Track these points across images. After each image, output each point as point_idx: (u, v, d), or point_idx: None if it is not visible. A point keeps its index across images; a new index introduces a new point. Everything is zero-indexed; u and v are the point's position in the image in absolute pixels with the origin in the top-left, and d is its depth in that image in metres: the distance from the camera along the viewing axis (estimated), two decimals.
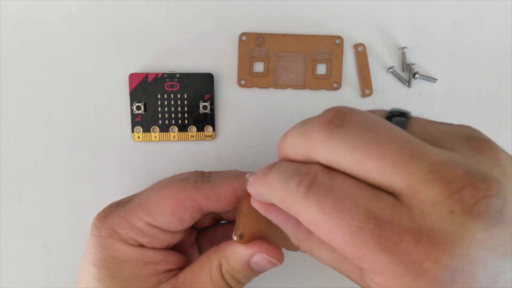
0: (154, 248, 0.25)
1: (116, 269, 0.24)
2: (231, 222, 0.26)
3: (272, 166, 0.20)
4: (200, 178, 0.25)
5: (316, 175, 0.17)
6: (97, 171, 0.32)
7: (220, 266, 0.24)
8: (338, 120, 0.18)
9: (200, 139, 0.32)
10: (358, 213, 0.16)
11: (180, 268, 0.25)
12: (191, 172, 0.26)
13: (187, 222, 0.25)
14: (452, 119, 0.33)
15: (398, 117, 0.19)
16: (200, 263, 0.24)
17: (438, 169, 0.16)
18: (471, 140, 0.18)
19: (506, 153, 0.17)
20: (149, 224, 0.24)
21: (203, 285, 0.24)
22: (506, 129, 0.34)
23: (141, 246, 0.25)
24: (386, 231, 0.16)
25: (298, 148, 0.19)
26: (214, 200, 0.24)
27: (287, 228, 0.22)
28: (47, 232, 0.32)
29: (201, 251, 0.29)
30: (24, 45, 0.32)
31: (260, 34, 0.32)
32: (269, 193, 0.19)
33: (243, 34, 0.32)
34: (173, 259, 0.25)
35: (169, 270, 0.25)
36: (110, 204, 0.26)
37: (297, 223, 0.20)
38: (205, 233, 0.30)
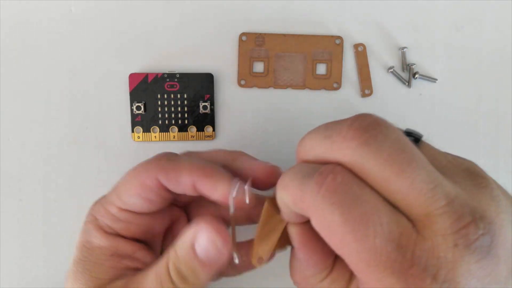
0: (129, 239, 0.25)
1: (87, 253, 0.25)
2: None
3: (288, 169, 0.19)
4: (166, 158, 0.25)
5: (343, 176, 0.17)
6: (97, 171, 0.32)
7: (167, 262, 0.23)
8: (373, 129, 0.17)
9: (200, 139, 0.32)
10: (382, 233, 0.16)
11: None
12: (163, 152, 0.26)
13: (157, 202, 0.25)
14: (452, 119, 0.34)
15: (410, 138, 0.19)
16: (155, 263, 0.24)
17: (452, 203, 0.16)
18: (472, 175, 0.19)
19: (499, 189, 0.19)
20: (120, 209, 0.25)
21: (149, 284, 0.23)
22: (506, 129, 0.34)
23: (116, 235, 0.25)
24: (400, 257, 0.16)
25: (318, 151, 0.18)
26: (174, 183, 0.24)
27: (303, 263, 0.21)
28: (47, 232, 0.32)
29: None
30: (24, 45, 0.32)
31: (260, 34, 0.32)
32: (284, 194, 0.19)
33: (243, 34, 0.32)
34: (142, 258, 0.25)
35: (135, 269, 0.25)
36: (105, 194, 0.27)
37: (318, 260, 0.20)
38: None
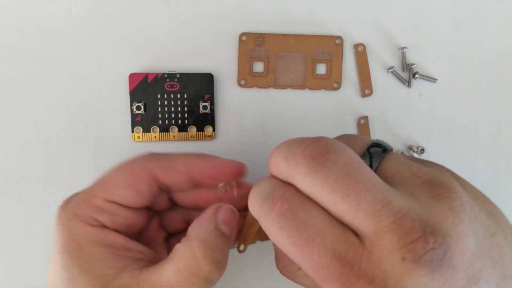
0: (116, 231, 0.24)
1: (78, 253, 0.23)
2: None
3: (257, 183, 0.21)
4: (156, 153, 0.26)
5: (290, 202, 0.19)
6: (97, 171, 0.32)
7: (194, 251, 0.23)
8: (321, 157, 0.19)
9: (200, 139, 0.32)
10: (326, 253, 0.18)
11: (149, 260, 0.24)
12: (149, 152, 0.26)
13: (145, 194, 0.25)
14: (452, 119, 0.34)
15: (376, 148, 0.21)
16: (169, 257, 0.23)
17: (400, 220, 0.18)
18: (433, 187, 0.19)
19: (463, 198, 0.19)
20: (107, 200, 0.24)
21: (171, 278, 0.22)
22: (506, 129, 0.34)
23: (103, 226, 0.24)
24: (347, 271, 0.18)
25: (280, 170, 0.20)
26: (169, 171, 0.24)
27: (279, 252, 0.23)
28: (47, 232, 0.32)
29: None
30: (24, 45, 0.32)
31: (260, 34, 0.32)
32: (250, 209, 0.21)
33: (243, 34, 0.32)
34: (137, 248, 0.24)
35: (135, 259, 0.24)
36: (70, 195, 0.26)
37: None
38: (177, 237, 0.28)
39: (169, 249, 0.28)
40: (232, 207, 0.24)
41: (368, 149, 0.21)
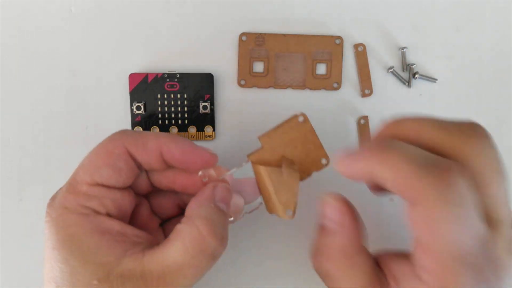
0: (109, 216, 0.24)
1: (76, 245, 0.23)
2: None
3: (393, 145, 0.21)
4: (129, 130, 0.26)
5: (461, 180, 0.19)
6: None
7: (198, 228, 0.23)
8: (489, 138, 0.21)
9: (200, 139, 0.32)
10: (472, 234, 0.19)
11: (147, 243, 0.24)
12: (120, 130, 0.26)
13: (125, 172, 0.25)
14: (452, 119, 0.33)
15: None
16: (171, 236, 0.23)
17: None
18: None
19: None
20: (91, 184, 0.24)
21: (178, 258, 0.22)
22: (506, 129, 0.34)
23: (95, 212, 0.24)
24: (481, 253, 0.19)
25: (428, 136, 0.21)
26: (141, 149, 0.25)
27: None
28: None
29: None
30: (24, 45, 0.32)
31: (260, 34, 0.32)
32: (388, 173, 0.20)
33: (243, 34, 0.32)
34: (132, 232, 0.24)
35: (133, 243, 0.24)
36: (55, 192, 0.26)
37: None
38: (172, 222, 0.29)
39: (165, 234, 0.28)
40: (226, 185, 0.25)
41: None
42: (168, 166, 0.26)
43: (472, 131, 0.20)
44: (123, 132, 0.26)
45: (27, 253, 0.32)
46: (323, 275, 0.23)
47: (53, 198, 0.25)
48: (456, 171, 0.19)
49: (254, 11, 0.32)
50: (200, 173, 0.26)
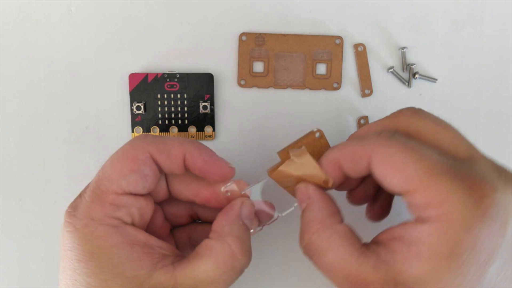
0: (134, 226, 0.24)
1: (105, 258, 0.22)
2: (208, 223, 0.28)
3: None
4: (151, 135, 0.26)
5: (393, 132, 0.23)
6: (97, 171, 0.32)
7: (230, 247, 0.24)
8: (419, 109, 0.26)
9: (200, 139, 0.32)
10: (437, 152, 0.21)
11: (173, 255, 0.24)
12: (142, 134, 0.26)
13: (150, 177, 0.24)
14: (452, 119, 0.33)
15: None
16: (201, 251, 0.24)
17: (485, 155, 0.23)
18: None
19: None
20: (117, 193, 0.24)
21: (210, 273, 0.23)
22: (506, 129, 0.34)
23: (123, 223, 0.24)
24: (459, 165, 0.21)
25: (376, 127, 0.26)
26: (165, 155, 0.24)
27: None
28: (47, 232, 0.32)
29: (179, 247, 0.28)
30: (24, 45, 0.32)
31: (260, 34, 0.32)
32: (339, 153, 0.24)
33: (243, 34, 0.32)
34: (157, 244, 0.24)
35: (162, 256, 0.24)
36: (73, 200, 0.25)
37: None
38: (183, 230, 0.29)
39: (176, 241, 0.28)
40: (252, 202, 0.26)
41: None
42: (187, 171, 0.26)
43: (406, 110, 0.25)
44: (144, 137, 0.25)
45: (27, 253, 0.32)
46: (311, 254, 0.24)
47: (73, 208, 0.24)
48: (393, 132, 0.23)
49: (254, 11, 0.32)
50: (222, 188, 0.26)
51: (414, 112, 0.25)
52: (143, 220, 0.25)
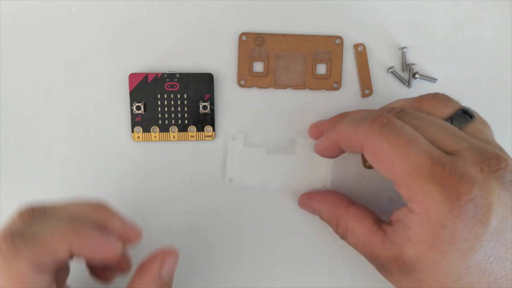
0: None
1: None
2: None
3: (341, 119, 0.27)
4: (19, 236, 0.21)
5: (388, 118, 0.24)
6: (97, 171, 0.32)
7: None
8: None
9: (200, 139, 0.32)
10: (422, 153, 0.22)
11: None
12: (17, 215, 0.23)
13: (49, 273, 0.22)
14: None
15: (467, 116, 0.27)
16: None
17: (473, 146, 0.23)
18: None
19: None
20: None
21: None
22: (506, 129, 0.34)
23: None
24: (439, 168, 0.22)
25: (363, 113, 0.27)
26: (47, 255, 0.21)
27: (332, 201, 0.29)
28: None
29: None
30: (24, 45, 0.32)
31: (260, 34, 0.32)
32: (337, 136, 0.26)
33: (243, 34, 0.32)
34: None
35: None
36: None
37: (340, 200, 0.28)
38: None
39: None
40: (176, 252, 0.24)
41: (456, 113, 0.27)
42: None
43: (397, 110, 0.26)
44: (15, 247, 0.21)
45: None
46: (346, 240, 0.27)
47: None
48: (383, 115, 0.24)
49: (254, 11, 0.32)
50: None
51: (434, 96, 0.27)
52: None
